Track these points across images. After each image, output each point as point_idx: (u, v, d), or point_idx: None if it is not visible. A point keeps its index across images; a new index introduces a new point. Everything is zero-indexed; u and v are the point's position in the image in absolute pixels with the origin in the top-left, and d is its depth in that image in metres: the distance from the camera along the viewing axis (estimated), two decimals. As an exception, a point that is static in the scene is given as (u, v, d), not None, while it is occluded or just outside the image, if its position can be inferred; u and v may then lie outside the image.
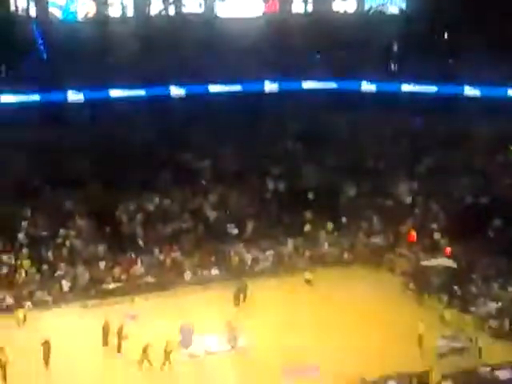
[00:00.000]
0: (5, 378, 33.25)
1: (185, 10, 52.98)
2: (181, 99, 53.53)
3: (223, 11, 53.72)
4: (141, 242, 46.09)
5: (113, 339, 36.31)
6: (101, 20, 51.10)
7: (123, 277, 43.41)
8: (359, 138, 54.55)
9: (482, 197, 49.01)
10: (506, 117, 50.37)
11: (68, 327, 38.38)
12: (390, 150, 53.72)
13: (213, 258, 45.67)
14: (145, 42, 51.55)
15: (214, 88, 54.08)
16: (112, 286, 42.77)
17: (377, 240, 48.37)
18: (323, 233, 48.51)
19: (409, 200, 50.83)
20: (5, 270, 42.43)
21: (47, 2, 50.05)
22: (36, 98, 50.07)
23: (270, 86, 55.34)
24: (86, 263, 43.77)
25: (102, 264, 43.88)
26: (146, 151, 51.33)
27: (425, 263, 44.18)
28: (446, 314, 39.56)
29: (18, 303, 40.30)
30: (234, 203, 50.10)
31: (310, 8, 55.73)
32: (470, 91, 53.60)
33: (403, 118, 54.16)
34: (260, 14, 54.40)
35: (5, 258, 42.93)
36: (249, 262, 45.93)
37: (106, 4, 51.11)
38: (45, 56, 51.42)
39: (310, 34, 53.43)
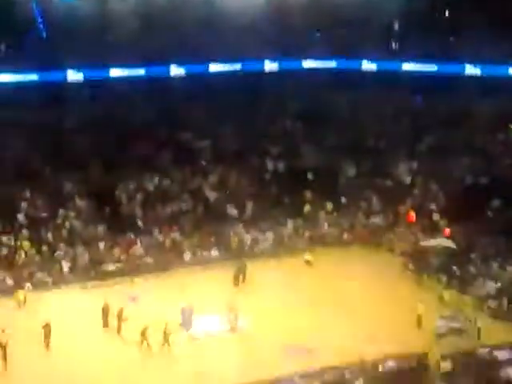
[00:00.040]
0: (5, 358, 33.37)
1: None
2: (181, 78, 53.35)
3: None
4: (140, 223, 46.10)
5: (113, 321, 36.40)
6: (100, -2, 50.90)
7: (123, 257, 43.48)
8: (359, 118, 54.46)
9: (481, 177, 48.93)
10: (506, 95, 50.17)
11: (68, 309, 38.45)
12: (389, 130, 53.58)
13: (212, 239, 45.71)
14: (144, 21, 51.26)
15: (214, 67, 53.89)
16: (112, 266, 42.83)
17: (376, 220, 48.38)
18: (323, 213, 48.52)
19: (408, 180, 50.78)
20: (4, 252, 42.50)
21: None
22: (35, 77, 49.92)
23: (270, 65, 55.13)
24: (86, 244, 43.84)
25: (102, 245, 43.93)
26: (146, 131, 51.26)
27: (424, 243, 44.22)
28: (445, 294, 39.66)
29: (18, 284, 40.37)
30: (233, 183, 50.06)
31: (310, -14, 55.40)
32: (470, 70, 53.34)
33: (403, 97, 54.04)
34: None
35: (4, 239, 42.98)
36: (248, 243, 45.96)
37: (105, -19, 50.90)
38: (44, 34, 51.22)
39: (310, 13, 53.05)
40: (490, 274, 41.39)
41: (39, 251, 42.86)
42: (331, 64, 55.61)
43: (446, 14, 57.88)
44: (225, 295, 38.78)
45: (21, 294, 38.92)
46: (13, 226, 43.95)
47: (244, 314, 37.02)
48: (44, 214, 45.27)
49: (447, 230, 44.93)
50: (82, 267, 42.71)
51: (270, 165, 51.59)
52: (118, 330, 36.23)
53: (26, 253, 42.45)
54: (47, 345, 34.74)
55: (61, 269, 42.29)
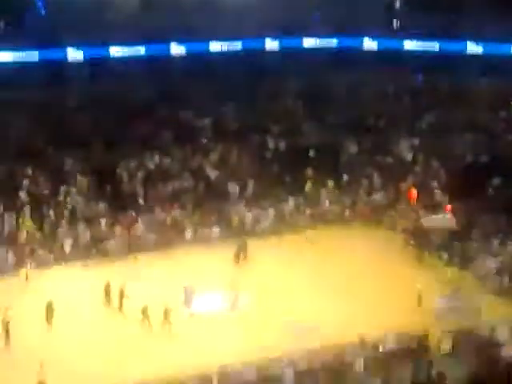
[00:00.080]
0: (8, 336, 33.52)
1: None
2: (181, 57, 53.25)
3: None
4: (141, 201, 46.09)
5: (114, 298, 36.50)
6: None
7: (124, 235, 43.48)
8: (360, 95, 54.31)
9: (482, 154, 48.89)
10: (508, 73, 50.08)
11: (69, 286, 38.53)
12: (391, 108, 53.51)
13: (213, 217, 45.68)
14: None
15: (214, 46, 53.74)
16: (113, 244, 42.83)
17: (378, 198, 48.36)
18: (324, 191, 48.42)
19: (410, 157, 50.70)
20: (6, 229, 42.52)
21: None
22: (35, 55, 49.81)
23: (270, 44, 54.99)
24: (87, 222, 43.81)
25: (103, 222, 43.92)
26: (147, 109, 51.13)
27: (425, 221, 44.20)
28: (446, 271, 39.70)
29: (20, 262, 40.39)
30: (234, 162, 50.00)
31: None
32: (472, 48, 53.20)
33: (405, 75, 53.91)
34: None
35: (6, 216, 42.98)
36: (250, 221, 45.96)
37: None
38: (43, 12, 51.06)
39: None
40: (491, 251, 41.43)
41: (41, 229, 42.86)
42: (332, 42, 55.49)
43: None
44: (226, 273, 38.88)
45: (23, 272, 38.97)
46: (15, 203, 43.95)
47: (245, 292, 37.07)
48: (46, 192, 45.21)
49: (448, 207, 44.89)
50: (83, 245, 42.75)
51: (271, 143, 51.45)
52: (120, 308, 36.36)
53: (27, 230, 42.46)
54: (49, 323, 34.83)
55: (62, 246, 42.31)
